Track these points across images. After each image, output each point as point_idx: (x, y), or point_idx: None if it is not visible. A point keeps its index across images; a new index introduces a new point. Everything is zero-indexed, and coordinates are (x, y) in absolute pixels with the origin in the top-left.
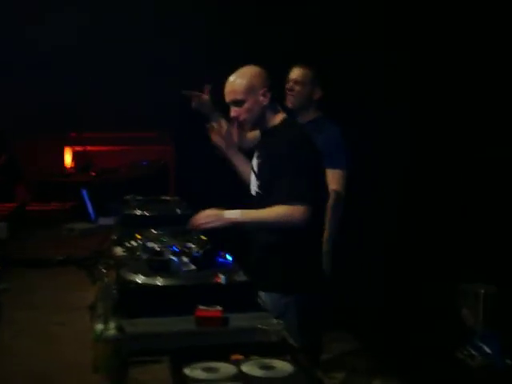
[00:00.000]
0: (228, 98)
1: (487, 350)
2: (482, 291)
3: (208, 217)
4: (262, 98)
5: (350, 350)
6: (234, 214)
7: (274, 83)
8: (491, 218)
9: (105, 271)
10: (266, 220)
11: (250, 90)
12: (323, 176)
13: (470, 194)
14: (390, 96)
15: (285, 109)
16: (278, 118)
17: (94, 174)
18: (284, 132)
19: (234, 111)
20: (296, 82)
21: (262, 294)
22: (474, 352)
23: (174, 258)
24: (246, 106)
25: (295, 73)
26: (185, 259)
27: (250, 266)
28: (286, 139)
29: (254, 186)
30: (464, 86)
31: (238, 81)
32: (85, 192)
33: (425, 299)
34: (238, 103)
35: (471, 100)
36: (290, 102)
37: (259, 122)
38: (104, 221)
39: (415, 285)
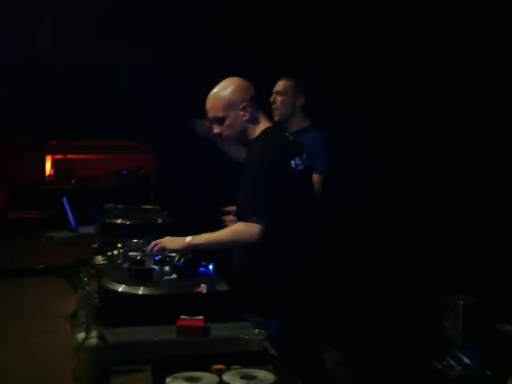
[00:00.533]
0: (209, 114)
1: (467, 360)
2: (461, 302)
3: (163, 243)
4: (242, 113)
5: (328, 361)
6: (187, 238)
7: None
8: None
9: (86, 280)
10: (218, 240)
11: (229, 106)
12: (298, 188)
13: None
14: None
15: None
16: (259, 129)
17: (74, 182)
18: (257, 145)
19: (216, 128)
20: (278, 92)
21: None
22: (453, 362)
23: (155, 266)
24: (226, 122)
25: (277, 85)
26: (166, 268)
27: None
28: (254, 152)
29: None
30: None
31: (216, 97)
32: (65, 200)
33: (405, 310)
34: (219, 120)
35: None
36: (275, 114)
37: (242, 136)
38: (84, 229)
39: (395, 296)
